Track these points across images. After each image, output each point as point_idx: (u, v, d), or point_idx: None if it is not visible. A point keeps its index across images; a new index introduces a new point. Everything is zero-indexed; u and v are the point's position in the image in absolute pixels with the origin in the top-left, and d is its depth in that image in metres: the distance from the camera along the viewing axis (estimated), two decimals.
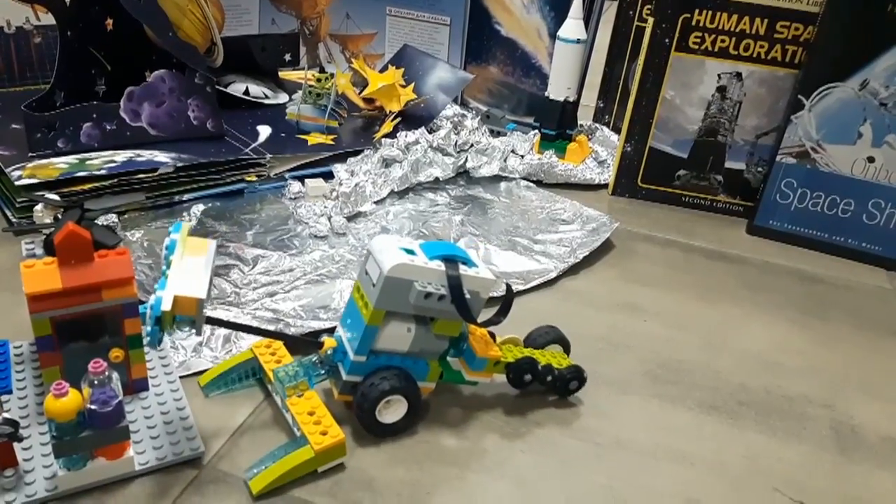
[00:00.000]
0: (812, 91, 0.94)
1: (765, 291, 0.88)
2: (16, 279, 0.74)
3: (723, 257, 0.96)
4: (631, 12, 1.18)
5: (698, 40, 1.00)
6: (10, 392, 0.60)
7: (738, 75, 1.00)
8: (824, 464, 0.63)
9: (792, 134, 0.97)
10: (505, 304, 0.63)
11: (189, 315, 0.51)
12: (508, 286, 0.64)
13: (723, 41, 0.99)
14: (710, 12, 0.98)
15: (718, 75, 1.01)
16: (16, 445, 0.53)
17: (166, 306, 0.49)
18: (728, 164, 1.05)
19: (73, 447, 0.51)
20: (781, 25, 0.97)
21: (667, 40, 1.00)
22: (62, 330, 0.55)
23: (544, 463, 0.60)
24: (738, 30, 0.98)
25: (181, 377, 0.64)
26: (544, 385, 0.65)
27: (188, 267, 0.52)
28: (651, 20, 1.00)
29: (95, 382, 0.50)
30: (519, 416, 0.65)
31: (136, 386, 0.60)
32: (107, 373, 0.50)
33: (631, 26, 1.19)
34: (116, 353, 0.56)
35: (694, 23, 0.99)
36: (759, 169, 1.04)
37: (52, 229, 0.60)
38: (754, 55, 0.99)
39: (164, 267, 0.53)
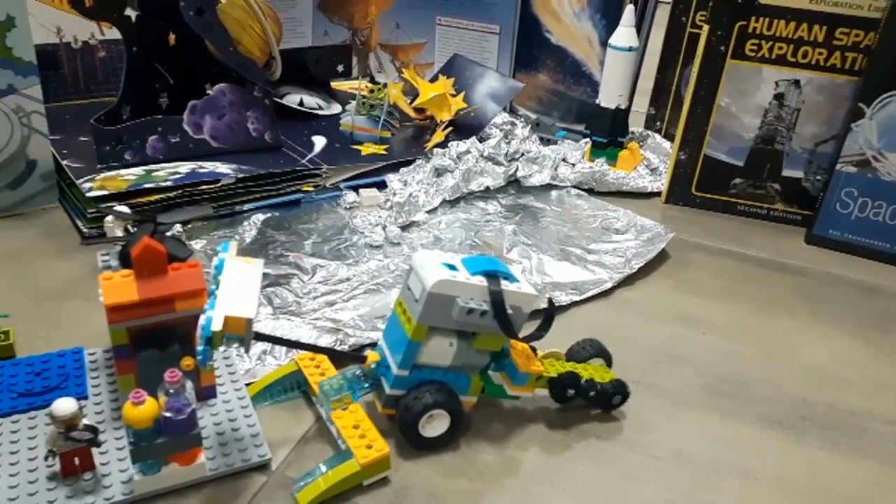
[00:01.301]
0: (873, 99, 0.92)
1: (824, 303, 0.87)
2: (88, 288, 0.78)
3: (781, 268, 0.94)
4: (684, 18, 1.17)
5: (755, 48, 0.98)
6: (86, 398, 0.63)
7: (797, 83, 0.99)
8: (890, 481, 0.62)
9: (852, 142, 0.95)
10: (546, 318, 0.63)
11: (238, 334, 0.51)
12: (550, 301, 0.64)
13: (780, 48, 0.98)
14: (767, 19, 0.97)
15: (776, 83, 0.99)
16: (94, 450, 0.55)
17: (217, 326, 0.50)
18: (786, 173, 1.03)
19: (149, 453, 0.53)
20: (841, 32, 0.95)
21: (722, 48, 0.99)
22: (137, 339, 0.58)
23: (605, 477, 0.60)
24: (796, 37, 0.97)
25: (247, 385, 0.65)
26: (587, 400, 0.65)
27: (237, 286, 0.53)
28: (706, 27, 0.99)
29: (171, 391, 0.52)
30: (576, 430, 0.65)
31: (204, 394, 0.62)
32: (182, 382, 0.52)
33: (684, 32, 1.18)
34: (188, 362, 0.58)
35: (750, 30, 0.98)
36: (818, 177, 1.02)
37: (127, 242, 0.63)
38: (813, 62, 0.97)
39: (212, 286, 0.54)
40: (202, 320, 0.51)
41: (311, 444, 0.61)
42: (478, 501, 0.57)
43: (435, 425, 0.60)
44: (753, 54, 0.99)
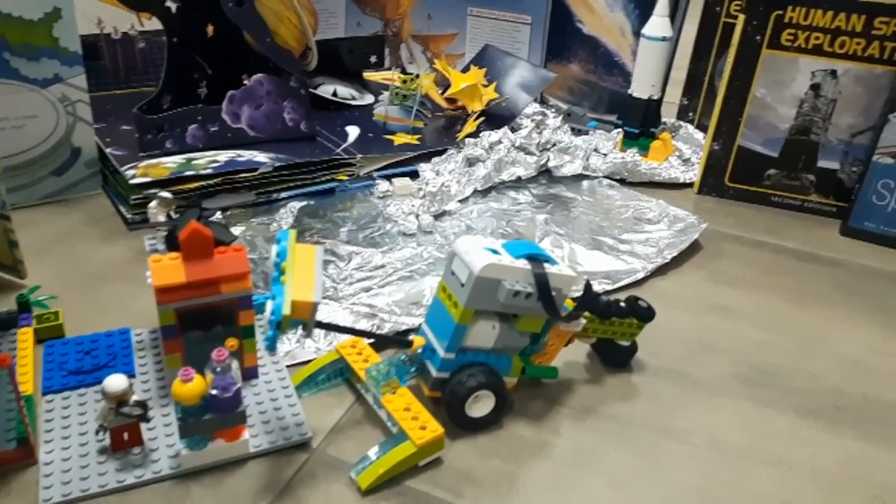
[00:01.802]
0: None
1: (859, 295, 0.86)
2: (134, 271, 0.80)
3: (815, 259, 0.94)
4: (718, 8, 1.17)
5: (791, 37, 0.98)
6: (133, 376, 0.65)
7: (833, 73, 0.98)
8: None
9: (890, 133, 0.94)
10: (584, 298, 0.64)
11: (303, 318, 0.53)
12: (588, 282, 0.65)
13: (817, 38, 0.97)
14: (803, 9, 0.96)
15: (812, 73, 0.99)
16: (142, 426, 0.57)
17: (286, 311, 0.51)
18: (821, 164, 1.03)
19: (196, 429, 0.55)
20: (880, 21, 0.94)
21: (758, 38, 0.98)
22: (183, 320, 0.60)
23: (638, 462, 0.61)
24: (833, 26, 0.96)
25: (287, 366, 0.67)
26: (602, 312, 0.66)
27: (300, 273, 0.55)
28: (741, 17, 0.99)
29: (218, 370, 0.54)
30: (609, 415, 0.66)
31: (247, 374, 0.64)
32: (229, 361, 0.54)
33: (718, 22, 1.17)
34: (232, 343, 0.59)
35: (787, 20, 0.97)
36: (854, 169, 1.01)
37: (174, 226, 0.65)
38: (850, 52, 0.96)
39: (274, 272, 0.56)
40: (269, 306, 0.52)
41: (350, 424, 0.63)
42: (512, 482, 0.58)
43: (480, 406, 0.62)
44: (790, 44, 0.98)
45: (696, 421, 0.66)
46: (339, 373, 0.67)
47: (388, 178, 1.03)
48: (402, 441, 0.58)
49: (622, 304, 0.68)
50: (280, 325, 0.52)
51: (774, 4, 0.96)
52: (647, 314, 0.69)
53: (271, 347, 0.53)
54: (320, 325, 0.57)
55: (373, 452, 0.58)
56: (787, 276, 0.89)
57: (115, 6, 1.13)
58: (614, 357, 0.72)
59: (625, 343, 0.71)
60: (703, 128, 1.19)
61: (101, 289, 0.78)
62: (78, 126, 0.93)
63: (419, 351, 0.62)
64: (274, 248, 0.57)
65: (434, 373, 0.61)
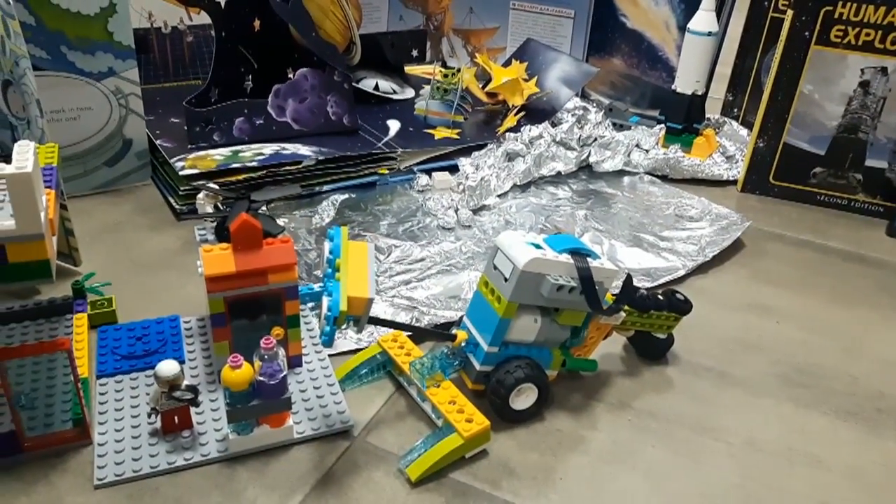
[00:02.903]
0: None
1: None
2: (183, 260, 0.83)
3: (861, 260, 0.92)
4: (766, 2, 1.15)
5: (840, 33, 0.96)
6: (183, 362, 0.67)
7: (884, 70, 0.96)
8: None
9: None
10: (624, 292, 0.64)
11: (357, 314, 0.55)
12: (628, 275, 0.66)
13: (867, 34, 0.95)
14: (854, 4, 0.94)
15: (861, 70, 0.97)
16: (191, 410, 0.60)
17: (344, 307, 0.53)
18: (869, 163, 1.01)
19: (244, 414, 0.57)
20: None
21: (806, 33, 0.97)
22: (232, 308, 0.62)
23: (675, 459, 0.61)
24: (885, 22, 0.94)
25: (329, 356, 0.69)
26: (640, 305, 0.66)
27: (354, 269, 0.56)
28: (790, 12, 0.97)
29: (266, 357, 0.56)
30: (647, 411, 0.66)
31: (292, 362, 0.66)
32: (275, 349, 0.56)
33: (765, 17, 1.15)
34: (277, 332, 0.61)
35: (836, 15, 0.95)
36: None
37: (224, 217, 0.67)
38: None
39: (328, 269, 0.57)
40: (328, 301, 0.54)
41: (390, 414, 0.64)
42: (549, 475, 0.59)
43: (524, 398, 0.63)
44: (839, 40, 0.96)
45: (734, 419, 0.65)
46: (381, 366, 0.68)
47: (428, 172, 1.04)
48: (449, 433, 0.59)
49: (660, 297, 0.68)
50: (337, 321, 0.53)
51: (824, 0, 0.95)
52: (684, 307, 0.69)
53: (329, 342, 0.54)
54: (372, 320, 0.58)
55: (420, 444, 0.59)
56: (830, 277, 0.88)
57: (167, 0, 1.15)
58: (651, 349, 0.72)
59: (661, 336, 0.71)
60: (747, 124, 1.18)
61: (151, 277, 0.81)
62: (130, 118, 0.96)
63: (462, 345, 0.63)
64: (327, 245, 0.58)
65: (478, 366, 0.62)
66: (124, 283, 0.78)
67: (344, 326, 0.55)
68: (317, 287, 0.64)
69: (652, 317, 0.68)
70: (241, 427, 0.58)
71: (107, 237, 0.88)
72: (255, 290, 0.60)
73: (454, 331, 0.64)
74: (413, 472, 0.57)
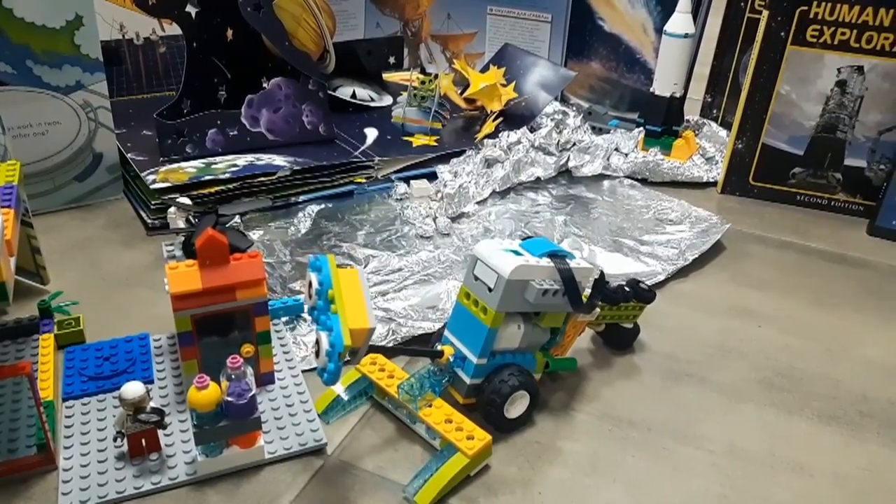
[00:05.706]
0: None
1: (888, 297, 0.84)
2: (154, 276, 0.81)
3: (842, 260, 0.92)
4: (742, 3, 1.14)
5: (816, 33, 0.95)
6: (152, 382, 0.66)
7: (860, 69, 0.95)
8: None
9: None
10: (598, 287, 0.65)
11: (358, 346, 0.52)
12: (602, 272, 0.66)
13: (843, 34, 0.95)
14: (829, 4, 0.94)
15: (838, 69, 0.96)
16: (159, 432, 0.58)
17: (348, 341, 0.50)
18: (848, 162, 1.00)
19: (212, 435, 0.55)
20: None
21: (782, 34, 0.96)
22: (200, 326, 0.60)
23: (656, 469, 0.60)
24: (860, 21, 0.93)
25: (303, 371, 0.67)
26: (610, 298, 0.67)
27: (350, 299, 0.53)
28: (766, 13, 0.97)
29: (233, 377, 0.54)
30: (627, 419, 0.65)
31: (263, 379, 0.64)
32: (242, 368, 0.54)
33: (742, 18, 1.15)
34: (248, 349, 0.60)
35: (812, 15, 0.95)
36: (882, 167, 0.99)
37: (191, 233, 0.65)
38: (878, 48, 0.94)
39: (319, 301, 0.53)
40: (326, 338, 0.50)
41: (365, 430, 0.63)
42: (528, 490, 0.57)
43: (517, 406, 0.62)
44: (815, 40, 0.96)
45: (715, 426, 0.64)
46: (363, 393, 0.65)
47: (407, 180, 1.02)
48: (452, 454, 0.57)
49: (626, 288, 0.70)
50: (341, 356, 0.50)
51: (799, 0, 0.94)
52: (648, 296, 0.70)
53: (333, 380, 0.51)
54: (373, 349, 0.57)
55: (426, 469, 0.57)
56: (812, 278, 0.87)
57: (138, 11, 1.14)
58: (620, 340, 0.73)
59: (629, 326, 0.73)
60: (727, 125, 1.17)
61: (122, 293, 0.79)
62: (99, 132, 0.95)
63: (450, 360, 0.62)
64: (314, 276, 0.54)
65: (468, 380, 0.61)
66: (94, 300, 0.77)
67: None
68: (291, 300, 0.62)
69: (621, 308, 0.69)
70: (210, 449, 0.57)
71: (77, 254, 0.86)
72: (223, 306, 0.59)
73: (438, 347, 0.62)
74: (422, 499, 0.55)
